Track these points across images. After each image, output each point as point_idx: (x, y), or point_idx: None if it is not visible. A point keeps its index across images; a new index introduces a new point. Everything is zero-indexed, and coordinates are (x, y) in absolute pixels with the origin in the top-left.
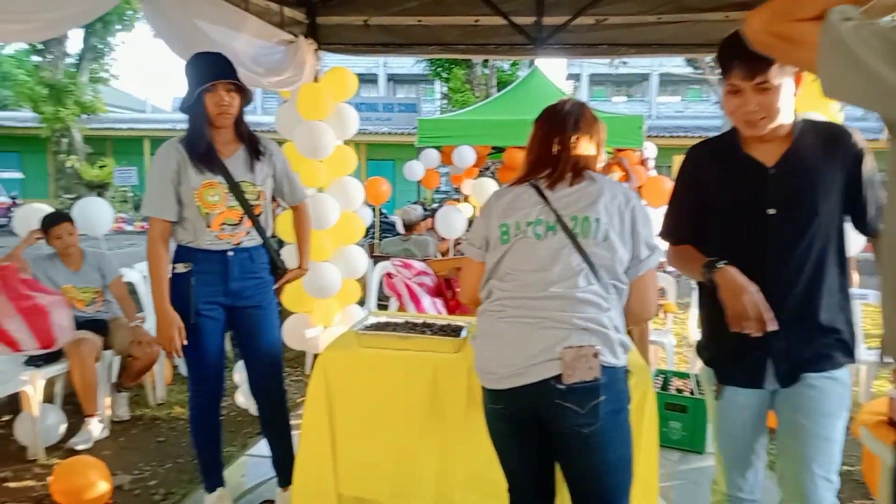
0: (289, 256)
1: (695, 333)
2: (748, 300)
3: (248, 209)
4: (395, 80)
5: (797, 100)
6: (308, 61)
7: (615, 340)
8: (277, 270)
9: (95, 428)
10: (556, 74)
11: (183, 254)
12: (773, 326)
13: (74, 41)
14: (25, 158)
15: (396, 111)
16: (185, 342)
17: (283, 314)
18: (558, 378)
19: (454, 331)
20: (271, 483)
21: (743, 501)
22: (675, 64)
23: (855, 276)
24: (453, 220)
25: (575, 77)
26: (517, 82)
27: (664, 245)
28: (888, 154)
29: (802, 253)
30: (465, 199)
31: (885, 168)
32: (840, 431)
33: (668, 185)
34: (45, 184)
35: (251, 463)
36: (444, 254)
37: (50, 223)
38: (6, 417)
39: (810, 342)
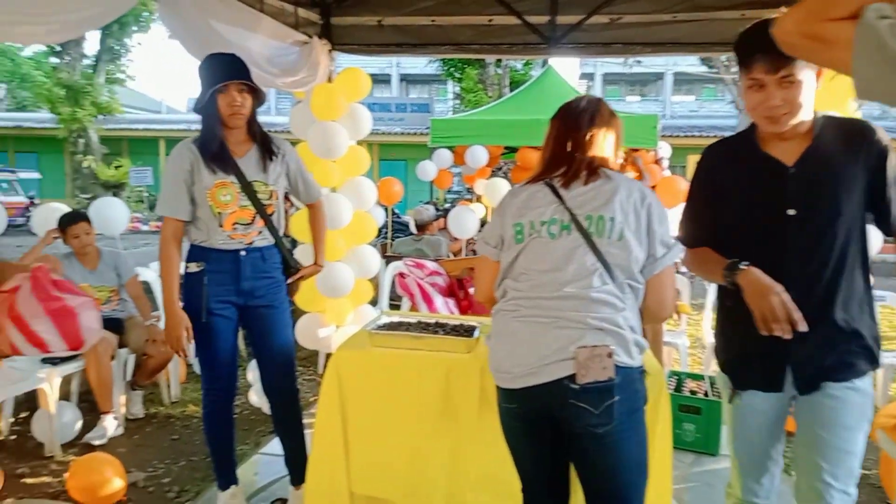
0: (302, 256)
1: (709, 335)
2: (776, 301)
3: (261, 209)
4: (407, 80)
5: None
6: (322, 62)
7: (630, 340)
8: (290, 270)
9: (111, 424)
10: (570, 74)
11: (196, 253)
12: (803, 327)
13: (91, 43)
14: (43, 159)
15: (409, 111)
16: (193, 341)
17: (296, 313)
18: (572, 378)
19: (467, 331)
20: (284, 481)
21: None
22: (690, 63)
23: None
24: (466, 221)
25: (588, 76)
26: (530, 82)
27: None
28: None
29: (823, 254)
30: (478, 199)
31: None
32: (861, 444)
33: (683, 184)
34: (63, 184)
35: (264, 461)
36: (456, 254)
37: (67, 223)
38: (23, 414)
39: (832, 347)
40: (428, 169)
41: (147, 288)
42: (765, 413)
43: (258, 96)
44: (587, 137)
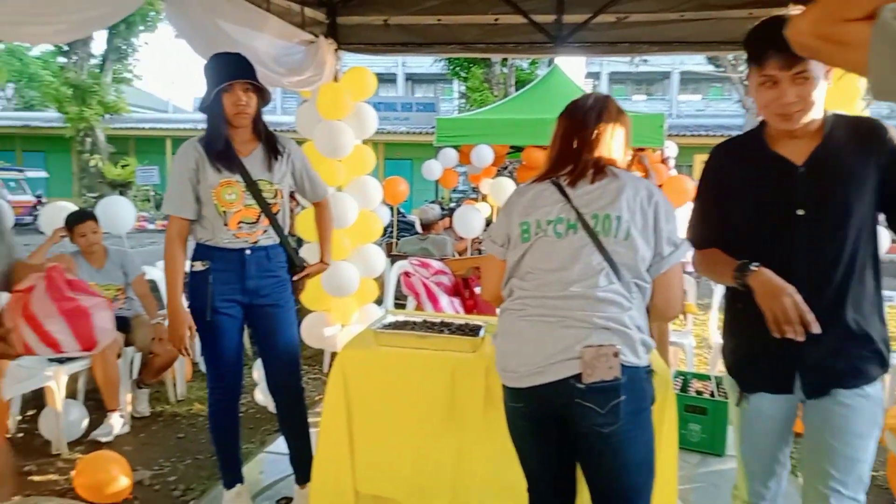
0: (308, 255)
1: (715, 335)
2: (788, 302)
3: (266, 207)
4: (413, 79)
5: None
6: (328, 61)
7: (636, 340)
8: (296, 268)
9: (117, 422)
10: (576, 73)
11: (201, 252)
12: (815, 329)
13: (99, 42)
14: (50, 158)
15: (415, 110)
16: (196, 340)
17: (302, 312)
18: (578, 377)
19: (472, 330)
20: (289, 480)
21: None
22: (697, 62)
23: None
24: (471, 220)
25: (594, 76)
26: (536, 81)
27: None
28: None
29: (833, 256)
30: (483, 198)
31: None
32: (871, 451)
33: (689, 184)
34: (70, 183)
35: (269, 460)
36: (461, 253)
37: (74, 221)
38: (30, 412)
39: (842, 351)
40: (433, 168)
41: (153, 286)
42: (773, 417)
43: (263, 95)
44: (594, 135)
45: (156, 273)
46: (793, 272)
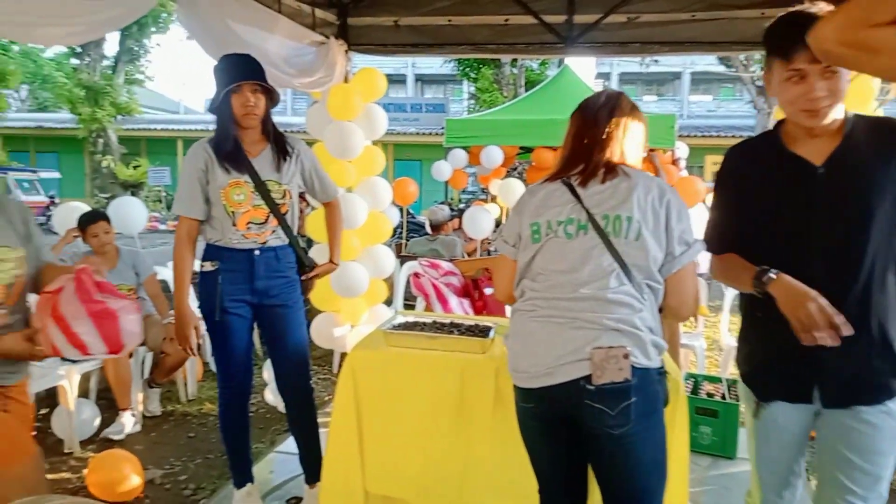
0: (318, 256)
1: (726, 337)
2: (813, 307)
3: (274, 208)
4: (423, 80)
5: None
6: (339, 62)
7: (647, 341)
8: (305, 269)
9: (128, 421)
10: (586, 73)
11: (211, 252)
12: (847, 331)
13: (111, 44)
14: (63, 158)
15: (424, 111)
16: (201, 341)
17: (311, 313)
18: (588, 379)
19: (482, 331)
20: (299, 480)
21: None
22: (708, 62)
23: None
24: (480, 221)
25: (605, 76)
26: (546, 82)
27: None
28: None
29: (855, 260)
30: (493, 199)
31: None
32: (892, 468)
33: (700, 185)
34: (82, 183)
35: (279, 459)
36: (470, 254)
37: (86, 222)
38: (43, 411)
39: (865, 362)
40: (443, 169)
41: (165, 286)
42: (789, 429)
43: (272, 96)
44: (605, 134)
45: (167, 273)
46: (813, 279)
